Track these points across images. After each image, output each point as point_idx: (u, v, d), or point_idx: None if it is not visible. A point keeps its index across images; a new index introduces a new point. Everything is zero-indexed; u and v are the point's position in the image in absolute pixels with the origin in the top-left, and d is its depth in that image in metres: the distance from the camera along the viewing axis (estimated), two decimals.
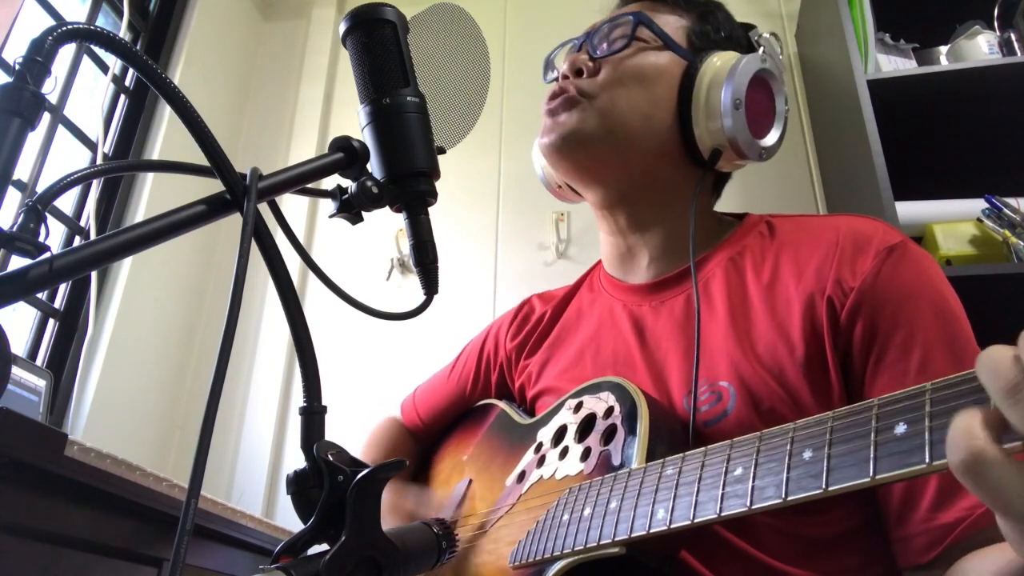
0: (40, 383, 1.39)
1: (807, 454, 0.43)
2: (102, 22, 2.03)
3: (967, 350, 0.62)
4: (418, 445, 1.02)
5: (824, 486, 0.41)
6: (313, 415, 0.48)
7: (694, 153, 0.79)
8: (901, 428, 0.38)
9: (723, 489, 0.47)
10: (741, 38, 0.85)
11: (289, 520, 1.63)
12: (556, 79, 0.85)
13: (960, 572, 0.55)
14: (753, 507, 0.44)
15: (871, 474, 0.38)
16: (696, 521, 0.48)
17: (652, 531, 0.51)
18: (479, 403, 0.96)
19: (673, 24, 0.82)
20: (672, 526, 0.49)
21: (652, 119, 0.78)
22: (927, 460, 0.36)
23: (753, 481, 0.45)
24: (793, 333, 0.66)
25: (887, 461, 0.38)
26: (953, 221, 1.50)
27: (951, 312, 0.64)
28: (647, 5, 0.84)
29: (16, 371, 1.34)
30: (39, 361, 1.73)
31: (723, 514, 0.46)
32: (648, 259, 0.83)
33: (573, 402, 0.73)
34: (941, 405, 0.37)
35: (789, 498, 0.42)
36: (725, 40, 0.83)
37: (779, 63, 0.82)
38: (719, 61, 0.78)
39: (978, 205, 1.48)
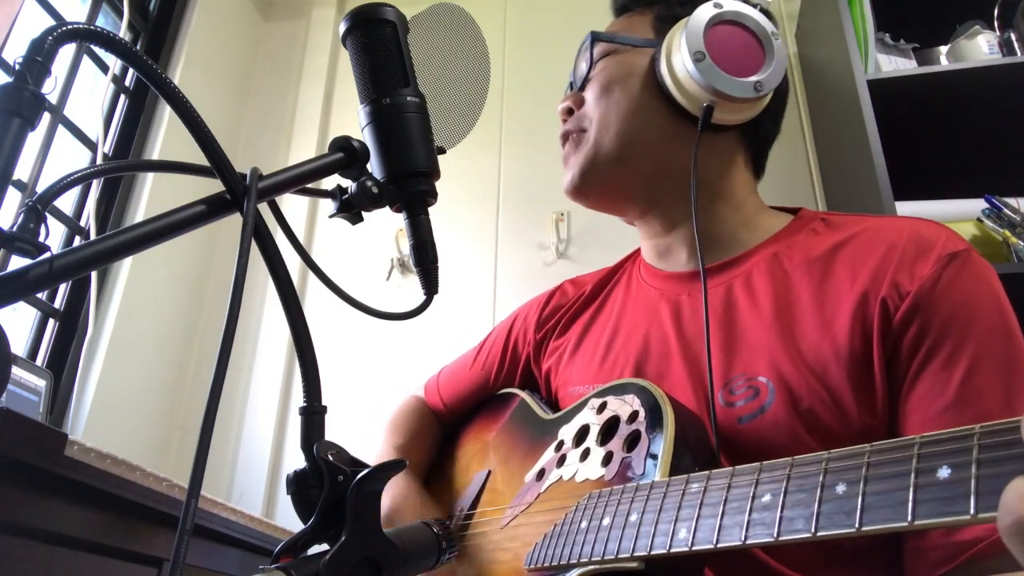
0: (40, 383, 1.39)
1: (840, 488, 0.40)
2: (102, 22, 2.03)
3: (1018, 371, 0.60)
4: (441, 425, 1.01)
5: (857, 525, 0.38)
6: (313, 415, 0.48)
7: (695, 123, 0.77)
8: (944, 472, 0.35)
9: (749, 515, 0.45)
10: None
11: (289, 520, 1.63)
12: None
13: None
14: (780, 538, 0.42)
15: (909, 519, 0.36)
16: (719, 546, 0.46)
17: (673, 550, 0.49)
18: (501, 391, 0.95)
19: (636, 24, 0.85)
20: (694, 548, 0.47)
21: (641, 112, 0.80)
22: (972, 512, 0.33)
23: (781, 511, 0.43)
24: (840, 332, 0.64)
25: (927, 506, 0.35)
26: (953, 221, 1.50)
27: (1006, 329, 0.62)
28: (612, 23, 0.88)
29: (16, 371, 1.34)
30: (39, 361, 1.73)
31: (748, 542, 0.44)
32: (687, 254, 0.82)
33: (597, 402, 0.71)
34: (990, 452, 0.34)
35: (819, 533, 0.40)
36: (691, 11, 0.80)
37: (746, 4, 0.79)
38: (674, 32, 0.78)
39: (978, 205, 1.49)
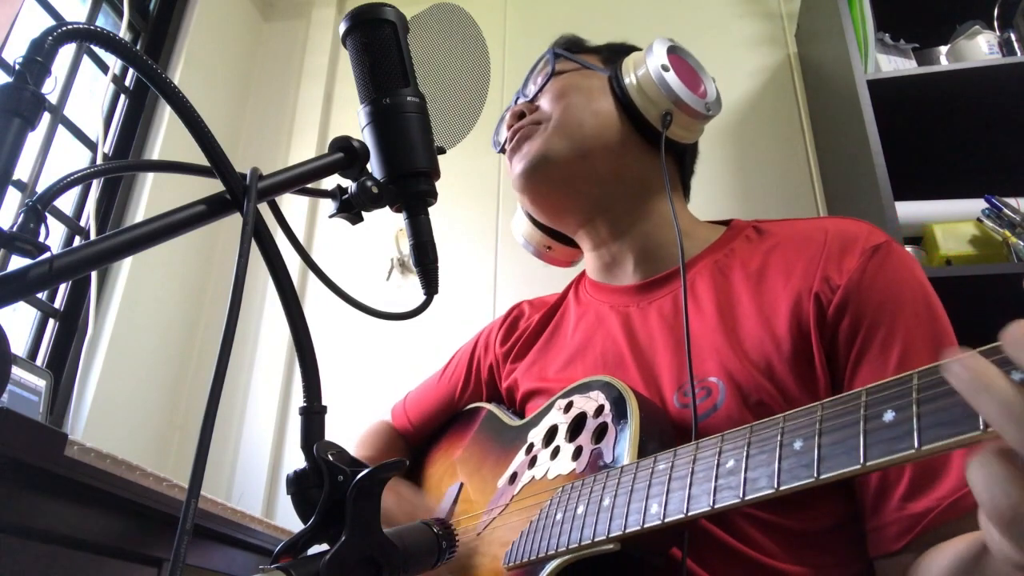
0: (40, 383, 1.38)
1: (797, 444, 0.43)
2: (102, 22, 2.03)
3: (946, 346, 0.65)
4: (409, 447, 1.02)
5: (816, 475, 0.41)
6: (313, 415, 0.48)
7: (648, 134, 0.84)
8: (890, 415, 0.39)
9: (715, 482, 0.48)
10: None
11: (289, 520, 1.63)
12: (504, 145, 0.92)
13: (924, 568, 0.56)
14: (746, 498, 0.45)
15: (861, 461, 0.39)
16: (690, 514, 0.48)
17: (646, 526, 0.51)
18: (467, 407, 0.96)
19: (587, 57, 0.92)
20: (666, 520, 0.50)
21: (600, 114, 0.84)
22: (916, 446, 0.36)
23: (745, 473, 0.46)
24: (780, 329, 0.69)
25: (877, 448, 0.38)
26: (953, 221, 1.50)
27: (931, 310, 0.67)
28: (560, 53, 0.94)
29: (16, 371, 1.34)
30: (39, 361, 1.73)
31: (716, 506, 0.47)
32: (633, 264, 0.86)
33: (563, 402, 0.73)
34: (928, 391, 0.37)
35: (781, 488, 0.43)
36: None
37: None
38: (633, 55, 0.86)
39: (978, 205, 1.48)
